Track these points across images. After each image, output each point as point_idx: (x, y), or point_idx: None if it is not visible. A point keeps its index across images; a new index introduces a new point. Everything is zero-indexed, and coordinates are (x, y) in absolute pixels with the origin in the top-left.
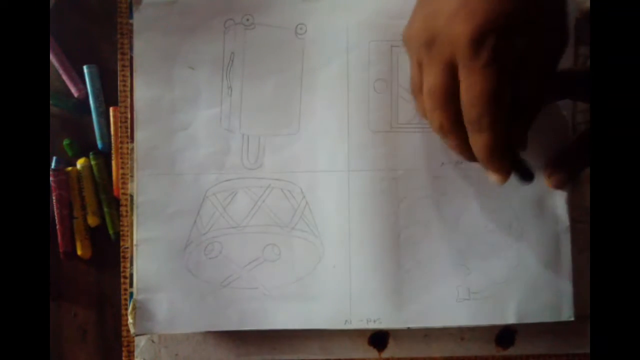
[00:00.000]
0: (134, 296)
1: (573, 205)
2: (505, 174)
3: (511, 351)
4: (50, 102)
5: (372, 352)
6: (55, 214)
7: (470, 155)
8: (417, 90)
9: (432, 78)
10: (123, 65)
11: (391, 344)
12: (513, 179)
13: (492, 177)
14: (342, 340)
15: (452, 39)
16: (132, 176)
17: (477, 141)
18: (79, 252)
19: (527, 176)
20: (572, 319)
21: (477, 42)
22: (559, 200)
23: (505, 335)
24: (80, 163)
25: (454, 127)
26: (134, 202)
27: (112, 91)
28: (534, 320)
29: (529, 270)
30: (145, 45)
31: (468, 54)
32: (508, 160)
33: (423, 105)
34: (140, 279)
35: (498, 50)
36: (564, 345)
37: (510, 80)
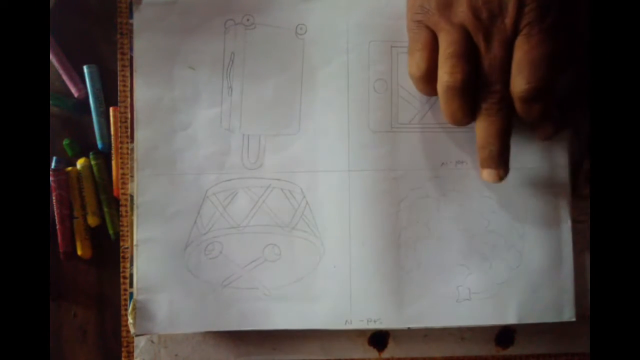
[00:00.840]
0: (134, 296)
1: (573, 205)
2: (501, 162)
3: (511, 351)
4: (50, 102)
5: (372, 352)
6: (55, 214)
7: (462, 120)
8: (418, 46)
9: (451, 38)
10: (123, 65)
11: (391, 344)
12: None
13: (485, 175)
14: (342, 341)
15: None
16: (132, 176)
17: (487, 122)
18: (79, 252)
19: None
20: (574, 319)
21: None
22: (560, 200)
23: (505, 335)
24: (80, 163)
25: (465, 84)
26: (134, 202)
27: (112, 91)
28: (535, 321)
29: (530, 270)
30: (145, 45)
31: (472, 19)
32: (507, 149)
33: (422, 60)
34: (140, 279)
35: (497, 14)
36: (564, 345)
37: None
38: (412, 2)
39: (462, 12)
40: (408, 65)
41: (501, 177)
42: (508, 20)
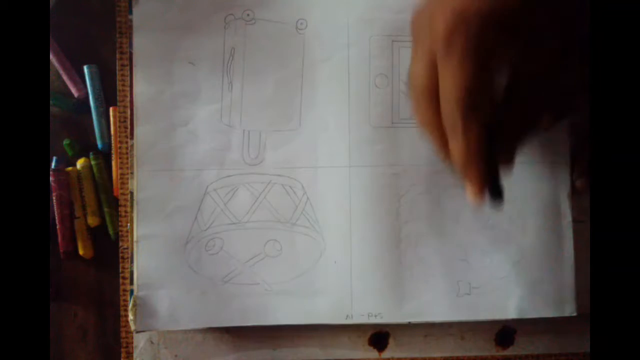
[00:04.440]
0: (135, 293)
1: (573, 205)
2: (477, 186)
3: (511, 351)
4: (50, 102)
5: (372, 352)
6: (56, 214)
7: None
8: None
9: (416, 70)
10: (122, 65)
11: (391, 344)
12: (511, 177)
13: (468, 191)
14: (342, 341)
15: (433, 34)
16: (132, 173)
17: (453, 146)
18: (80, 252)
19: (496, 194)
20: (575, 314)
21: (449, 35)
22: (561, 195)
23: (505, 334)
24: (80, 163)
25: (432, 122)
26: (134, 198)
27: (112, 91)
28: (535, 316)
29: (530, 265)
30: (145, 41)
31: (442, 50)
32: (483, 172)
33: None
34: (140, 276)
35: (470, 42)
36: (563, 344)
37: (491, 82)
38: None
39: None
40: None
41: (475, 194)
42: (428, 44)
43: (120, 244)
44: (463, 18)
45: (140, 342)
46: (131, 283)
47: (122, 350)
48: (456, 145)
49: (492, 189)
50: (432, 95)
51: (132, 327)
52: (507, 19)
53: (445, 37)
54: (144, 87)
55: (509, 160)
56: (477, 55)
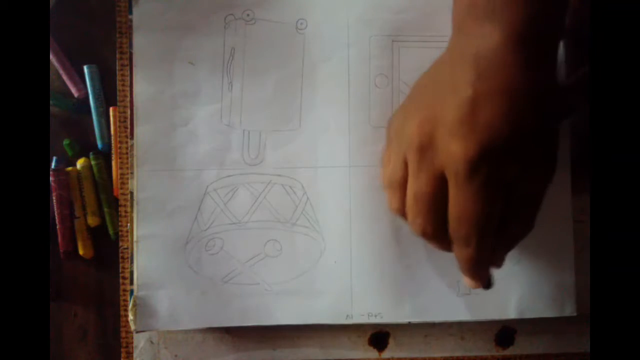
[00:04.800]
0: (135, 293)
1: (573, 205)
2: (481, 283)
3: (511, 351)
4: (50, 102)
5: (372, 352)
6: (56, 214)
7: (450, 251)
8: (396, 184)
9: (422, 185)
10: (122, 65)
11: (391, 344)
12: None
13: (467, 282)
14: (342, 341)
15: (447, 153)
16: (132, 173)
17: (461, 254)
18: (80, 252)
19: (488, 286)
20: (575, 314)
21: (473, 164)
22: (561, 196)
23: (505, 335)
24: (80, 163)
25: (436, 233)
26: (134, 198)
27: (112, 91)
28: (535, 316)
29: (530, 265)
30: (145, 40)
31: (462, 174)
32: (487, 272)
33: (399, 201)
34: (140, 276)
35: (492, 175)
36: (563, 344)
37: (500, 205)
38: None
39: (404, 136)
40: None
41: (476, 287)
42: (437, 160)
43: (121, 244)
44: (487, 153)
45: (140, 342)
46: (131, 283)
47: (122, 350)
48: (466, 254)
49: (487, 283)
50: (437, 209)
51: (132, 327)
52: (522, 152)
53: (469, 165)
54: (144, 87)
55: (501, 264)
56: (497, 184)
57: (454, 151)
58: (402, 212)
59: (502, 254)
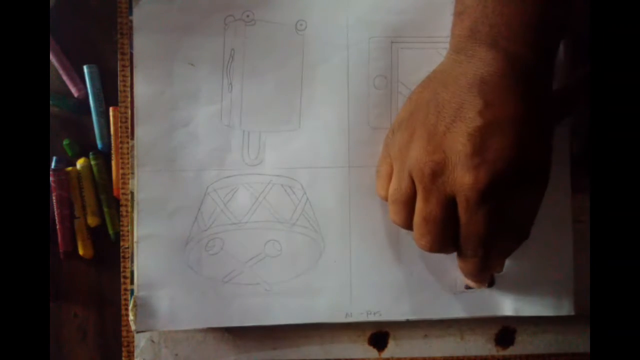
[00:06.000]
0: (135, 293)
1: (573, 205)
2: (485, 285)
3: (511, 351)
4: (50, 102)
5: (372, 352)
6: (56, 214)
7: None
8: (402, 202)
9: (432, 207)
10: (123, 65)
11: (391, 344)
12: None
13: (471, 284)
14: (342, 340)
15: (461, 183)
16: (132, 173)
17: (467, 264)
18: (80, 252)
19: (491, 284)
20: (572, 313)
21: (485, 194)
22: (561, 196)
23: (505, 334)
24: (80, 163)
25: (441, 249)
26: (135, 199)
27: (112, 91)
28: (533, 314)
29: (529, 264)
30: (145, 41)
31: (474, 201)
32: (489, 276)
33: (405, 217)
34: (141, 276)
35: (500, 201)
36: (563, 344)
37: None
38: (396, 119)
39: (411, 158)
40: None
41: (481, 287)
42: (448, 186)
43: (122, 243)
44: (498, 182)
45: (141, 341)
46: (131, 283)
47: (123, 349)
48: (471, 265)
49: (490, 283)
50: (446, 229)
51: (133, 327)
52: (526, 177)
53: (480, 194)
54: (144, 88)
55: (502, 269)
56: (506, 205)
57: (466, 181)
58: (406, 226)
59: (501, 260)
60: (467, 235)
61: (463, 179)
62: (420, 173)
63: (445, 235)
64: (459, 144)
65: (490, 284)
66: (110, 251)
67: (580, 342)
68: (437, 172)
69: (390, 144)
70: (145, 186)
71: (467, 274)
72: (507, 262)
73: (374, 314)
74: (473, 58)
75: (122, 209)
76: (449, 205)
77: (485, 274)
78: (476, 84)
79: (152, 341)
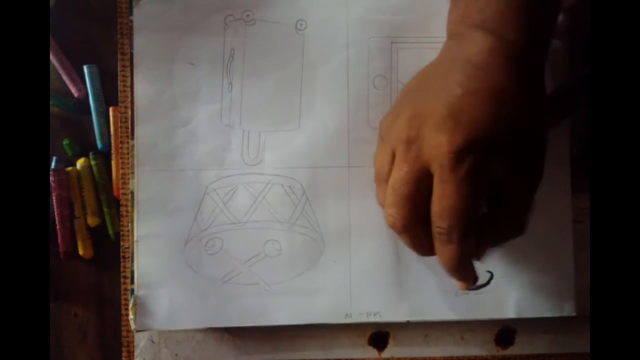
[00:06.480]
0: (135, 293)
1: (573, 205)
2: (469, 281)
3: (511, 351)
4: (50, 102)
5: (372, 352)
6: (56, 214)
7: (422, 253)
8: (382, 177)
9: (402, 174)
10: (123, 65)
11: (391, 344)
12: None
13: (457, 284)
14: (342, 340)
15: (433, 146)
16: (132, 173)
17: (444, 252)
18: (80, 252)
19: (486, 284)
20: (574, 314)
21: (458, 155)
22: (561, 195)
23: (505, 334)
24: (80, 163)
25: (407, 227)
26: (135, 198)
27: (112, 91)
28: (534, 315)
29: (529, 265)
30: (145, 41)
31: (447, 165)
32: (472, 270)
33: (383, 193)
34: (140, 275)
35: (476, 167)
36: (563, 344)
37: (483, 200)
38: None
39: (393, 131)
40: None
41: (466, 287)
42: (422, 154)
43: (122, 243)
44: (472, 145)
45: (141, 341)
46: (132, 283)
47: (123, 349)
48: (449, 251)
49: (487, 280)
50: (411, 200)
51: (132, 326)
52: (506, 148)
53: (454, 156)
54: (144, 88)
55: (482, 257)
56: (480, 178)
57: (439, 143)
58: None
59: (485, 248)
60: (440, 210)
61: (437, 140)
62: (398, 142)
63: (414, 207)
64: (436, 110)
65: (486, 283)
66: (110, 251)
67: (580, 342)
68: (412, 138)
69: (381, 128)
70: (145, 186)
71: (447, 266)
72: (507, 262)
73: (374, 314)
74: (463, 41)
75: (122, 209)
76: (421, 173)
77: (465, 266)
78: (460, 61)
79: (152, 341)
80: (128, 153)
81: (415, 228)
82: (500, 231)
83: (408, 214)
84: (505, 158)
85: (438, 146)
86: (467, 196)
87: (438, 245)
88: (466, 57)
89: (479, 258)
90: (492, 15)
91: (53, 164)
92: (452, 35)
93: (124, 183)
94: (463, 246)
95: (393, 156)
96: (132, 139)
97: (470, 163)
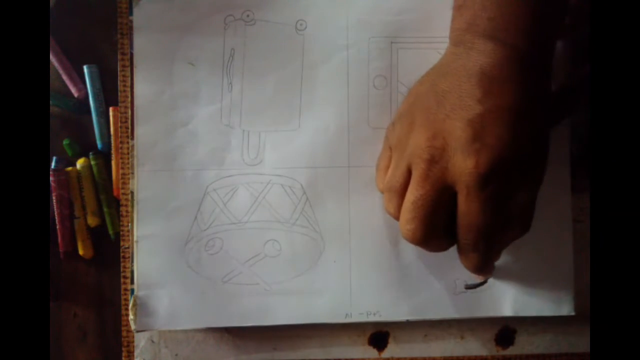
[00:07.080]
0: (135, 293)
1: (573, 205)
2: (491, 274)
3: (511, 351)
4: (50, 102)
5: (372, 352)
6: (56, 214)
7: (436, 252)
8: (396, 190)
9: (423, 192)
10: (123, 66)
11: (391, 343)
12: None
13: (478, 279)
14: (342, 340)
15: (459, 167)
16: (132, 173)
17: (470, 259)
18: (80, 252)
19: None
20: (572, 313)
21: (485, 179)
22: (561, 195)
23: (505, 334)
24: (80, 163)
25: (426, 239)
26: (134, 198)
27: (112, 91)
28: (532, 314)
29: (528, 264)
30: (145, 41)
31: (473, 187)
32: (493, 266)
33: (396, 206)
34: (140, 275)
35: (500, 187)
36: (563, 344)
37: (503, 212)
38: (397, 112)
39: (410, 146)
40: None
41: (486, 278)
42: (448, 174)
43: (122, 243)
44: (497, 166)
45: (141, 341)
46: (132, 283)
47: (124, 349)
48: (474, 259)
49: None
50: (434, 216)
51: (132, 327)
52: (524, 163)
53: (481, 179)
54: (144, 88)
55: (499, 257)
56: (505, 194)
57: (467, 166)
58: (397, 216)
59: (500, 249)
60: (467, 226)
61: (464, 163)
62: (418, 159)
63: (433, 223)
64: (458, 130)
65: (484, 282)
66: (110, 251)
67: (580, 342)
68: (436, 158)
69: (390, 136)
70: (145, 186)
71: (471, 270)
72: (507, 263)
73: (374, 314)
74: (472, 50)
75: (122, 209)
76: (444, 192)
77: (489, 266)
78: (475, 75)
79: (152, 341)
80: (128, 153)
81: (434, 241)
82: (509, 233)
83: (428, 229)
84: (522, 172)
85: (465, 168)
86: (493, 213)
87: (463, 253)
88: (480, 69)
89: (496, 259)
90: (503, 25)
91: (53, 164)
92: (458, 42)
93: (124, 183)
94: (486, 254)
95: (409, 171)
96: (132, 139)
97: (495, 185)
